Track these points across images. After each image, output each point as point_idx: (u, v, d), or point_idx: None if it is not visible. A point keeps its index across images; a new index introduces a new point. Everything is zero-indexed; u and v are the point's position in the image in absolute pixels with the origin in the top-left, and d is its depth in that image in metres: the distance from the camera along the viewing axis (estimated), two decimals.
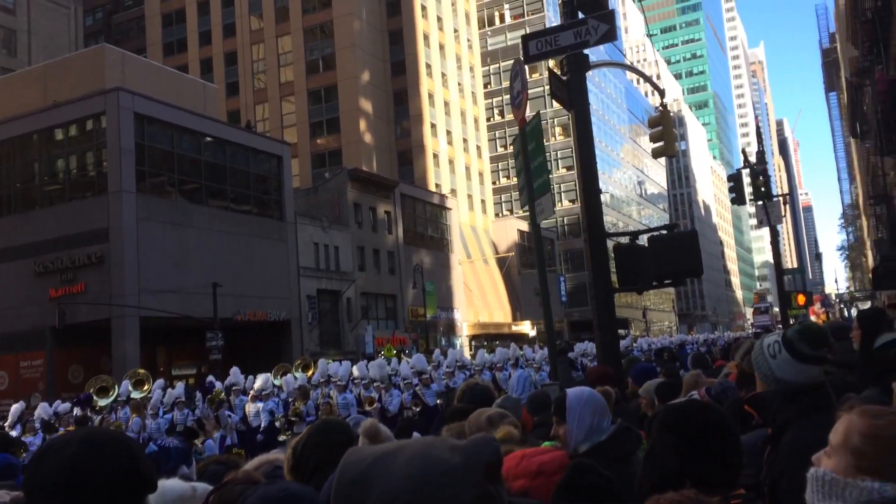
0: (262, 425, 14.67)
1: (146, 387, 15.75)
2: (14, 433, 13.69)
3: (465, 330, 53.85)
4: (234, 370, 17.31)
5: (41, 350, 30.99)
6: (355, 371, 17.28)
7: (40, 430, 13.90)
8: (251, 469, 2.96)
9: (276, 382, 16.34)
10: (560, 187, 72.41)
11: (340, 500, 1.09)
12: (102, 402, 15.75)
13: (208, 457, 6.05)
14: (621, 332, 54.34)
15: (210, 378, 17.39)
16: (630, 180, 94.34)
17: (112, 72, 35.15)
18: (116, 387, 16.46)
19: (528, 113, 9.07)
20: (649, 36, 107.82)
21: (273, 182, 39.51)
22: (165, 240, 31.71)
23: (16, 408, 15.03)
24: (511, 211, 71.63)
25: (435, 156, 58.71)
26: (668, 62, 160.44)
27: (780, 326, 28.33)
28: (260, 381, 15.34)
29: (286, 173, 40.18)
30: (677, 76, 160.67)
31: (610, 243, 9.18)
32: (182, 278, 31.43)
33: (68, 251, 30.73)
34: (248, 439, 14.35)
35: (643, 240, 9.09)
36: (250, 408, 15.07)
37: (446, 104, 61.59)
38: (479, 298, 57.69)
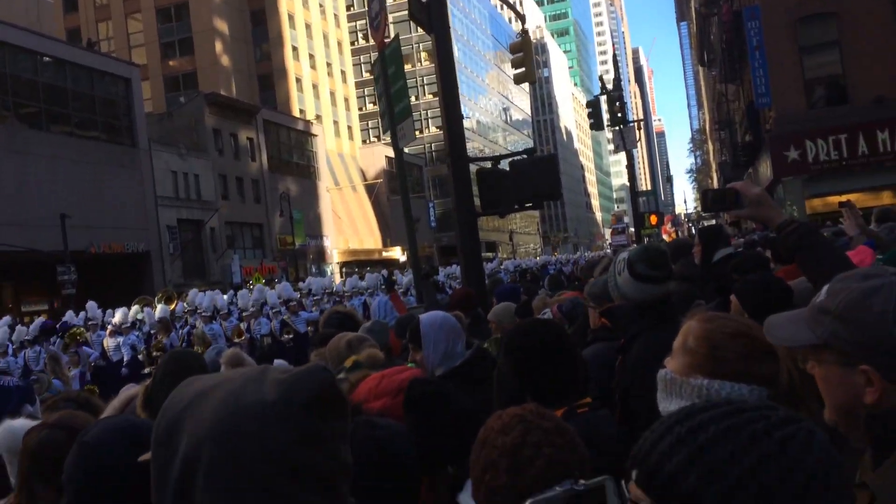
0: (125, 359, 14.14)
1: None
2: None
3: (335, 257, 53.58)
4: (91, 304, 16.44)
5: None
6: (218, 302, 16.86)
7: None
8: (118, 408, 2.88)
9: (139, 316, 15.70)
10: (427, 113, 72.22)
11: (156, 447, 0.97)
12: None
13: (59, 392, 5.79)
14: (489, 255, 55.92)
15: (68, 315, 16.46)
16: (495, 107, 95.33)
17: None
18: None
19: (392, 35, 8.91)
20: None
21: (122, 106, 36.99)
22: (3, 168, 29.20)
23: None
24: (378, 137, 70.80)
25: (298, 80, 56.79)
26: None
27: (635, 245, 30.02)
28: (119, 314, 14.69)
29: (136, 97, 37.68)
30: (539, 3, 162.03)
31: (474, 168, 9.32)
32: (24, 210, 29.18)
33: None
34: (108, 375, 13.80)
35: (505, 165, 9.28)
36: (109, 342, 14.45)
37: (308, 26, 59.31)
38: (348, 225, 57.35)
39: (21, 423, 2.38)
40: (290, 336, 14.65)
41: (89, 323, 15.40)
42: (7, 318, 16.81)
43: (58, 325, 15.68)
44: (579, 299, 5.83)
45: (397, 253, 58.07)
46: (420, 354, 3.11)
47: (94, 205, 32.48)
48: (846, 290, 1.26)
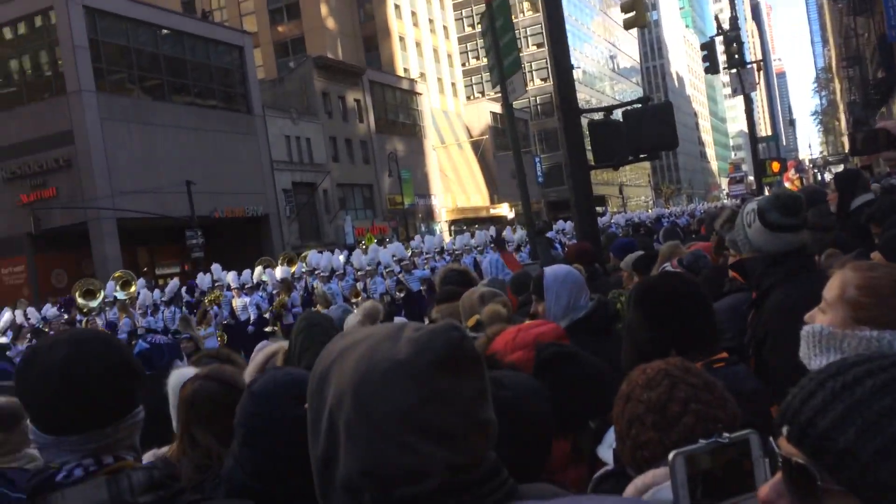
0: (252, 318, 14.92)
1: (132, 287, 15.82)
2: (4, 339, 13.81)
3: (443, 216, 54.04)
4: (216, 267, 17.38)
5: (21, 256, 30.81)
6: (334, 263, 17.39)
7: (30, 336, 14.03)
8: (261, 362, 3.07)
9: (264, 278, 16.47)
10: (531, 65, 70.87)
11: (310, 397, 1.06)
12: (92, 304, 15.84)
13: (204, 350, 6.18)
14: (599, 209, 54.78)
15: (199, 278, 17.52)
16: (602, 55, 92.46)
17: None
18: (103, 289, 16.51)
19: None
20: None
21: (237, 74, 38.31)
22: (132, 139, 30.99)
23: (6, 316, 15.08)
24: (483, 93, 70.35)
25: (401, 39, 56.94)
26: None
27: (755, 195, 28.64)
28: (232, 275, 15.49)
29: (249, 64, 38.91)
30: None
31: (584, 120, 9.12)
32: (154, 178, 30.94)
33: (34, 155, 29.99)
34: (237, 333, 14.61)
35: (617, 115, 9.03)
36: (237, 303, 15.27)
37: None
38: (455, 183, 57.58)
39: (189, 371, 2.57)
40: (403, 294, 14.99)
41: (216, 284, 16.31)
42: (142, 281, 18.00)
43: (188, 287, 16.71)
44: (701, 252, 5.66)
45: (505, 209, 57.91)
46: (542, 306, 3.13)
47: (215, 171, 34.03)
48: None
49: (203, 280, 16.89)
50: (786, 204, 2.81)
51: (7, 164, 30.49)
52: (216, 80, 37.01)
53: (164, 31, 34.53)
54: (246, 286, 15.21)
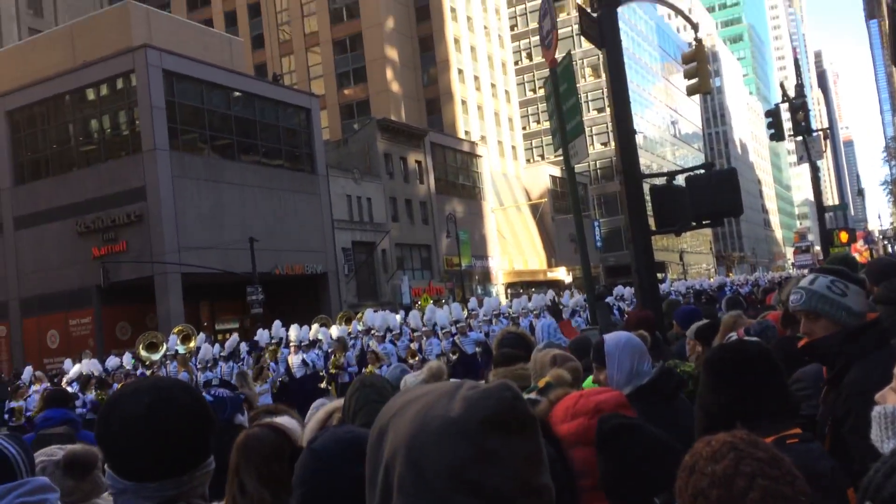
0: (307, 376, 14.99)
1: (192, 342, 16.14)
2: (71, 389, 14.17)
3: (500, 278, 53.92)
4: (277, 323, 17.61)
5: (89, 308, 31.82)
6: (391, 323, 17.47)
7: (95, 386, 14.36)
8: (321, 419, 3.07)
9: (320, 336, 16.62)
10: (591, 130, 71.26)
11: (369, 451, 1.06)
12: (154, 357, 16.20)
13: (261, 406, 6.19)
14: (658, 275, 53.95)
15: (259, 334, 17.80)
16: (663, 120, 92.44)
17: (138, 29, 35.08)
18: (165, 343, 16.90)
19: (558, 53, 8.88)
20: None
21: (303, 135, 39.49)
22: (201, 196, 32.05)
23: (76, 367, 15.54)
24: (542, 156, 70.88)
25: (463, 102, 58.07)
26: None
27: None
28: (293, 331, 15.63)
29: (316, 126, 40.10)
30: (710, 9, 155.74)
31: (645, 185, 9.04)
32: (219, 234, 31.82)
33: (108, 210, 31.25)
34: (292, 390, 14.68)
35: (680, 181, 8.94)
36: (293, 359, 15.39)
37: (473, 49, 60.59)
38: (513, 246, 57.60)
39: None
40: (456, 356, 14.90)
41: (272, 341, 16.50)
42: (203, 336, 18.35)
43: (249, 344, 16.94)
44: (770, 322, 5.48)
45: (562, 273, 57.52)
46: (604, 374, 3.09)
47: (278, 228, 34.85)
48: None
49: (262, 336, 17.13)
50: (854, 265, 2.74)
51: (82, 219, 31.82)
52: (283, 141, 38.20)
53: (237, 94, 35.98)
54: (303, 343, 15.35)
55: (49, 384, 15.94)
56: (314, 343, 15.76)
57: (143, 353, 16.22)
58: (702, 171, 8.68)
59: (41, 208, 32.78)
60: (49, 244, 32.55)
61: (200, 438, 1.65)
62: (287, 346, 15.81)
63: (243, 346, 17.40)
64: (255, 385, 13.50)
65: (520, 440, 0.98)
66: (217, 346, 16.95)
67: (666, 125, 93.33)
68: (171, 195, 30.82)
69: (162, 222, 30.36)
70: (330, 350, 15.31)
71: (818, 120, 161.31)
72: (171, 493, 1.59)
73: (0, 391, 22.27)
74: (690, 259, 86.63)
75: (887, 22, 48.79)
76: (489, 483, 0.95)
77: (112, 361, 16.58)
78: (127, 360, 16.84)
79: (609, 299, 20.72)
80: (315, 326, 16.81)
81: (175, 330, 16.04)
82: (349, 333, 16.64)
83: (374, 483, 1.03)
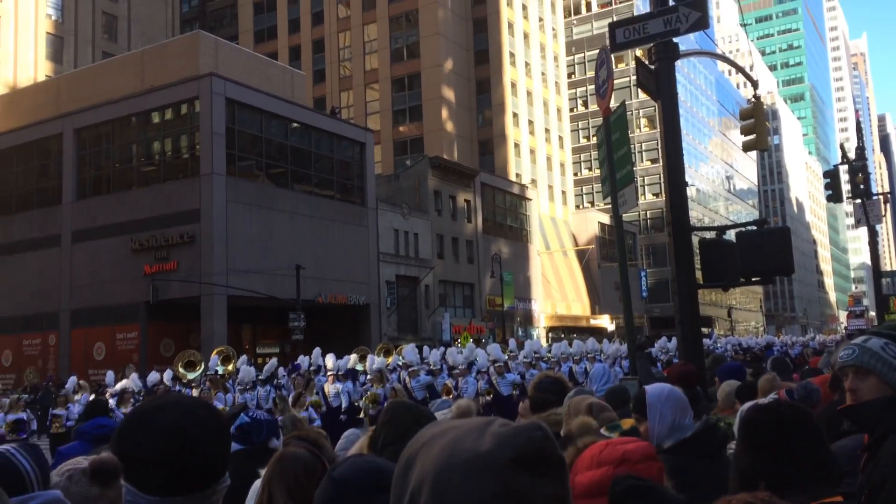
0: (344, 406, 14.99)
1: (231, 364, 16.32)
2: (112, 401, 14.42)
3: (542, 321, 53.51)
4: (317, 351, 17.71)
5: (136, 323, 32.48)
6: (430, 358, 17.46)
7: (133, 402, 14.60)
8: (358, 448, 3.10)
9: (359, 367, 16.66)
10: (644, 180, 70.90)
11: (395, 481, 1.05)
12: (191, 376, 16.42)
13: (294, 431, 6.22)
14: (705, 330, 52.92)
15: (301, 359, 17.93)
16: (718, 175, 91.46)
17: (206, 58, 36.27)
18: (203, 362, 17.12)
19: (613, 103, 8.90)
20: (743, 26, 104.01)
21: (356, 168, 40.09)
22: (252, 222, 32.66)
23: (123, 382, 15.85)
24: (592, 203, 70.62)
25: (516, 145, 58.38)
26: (763, 53, 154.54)
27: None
28: (330, 360, 15.68)
29: (369, 160, 40.70)
30: (772, 68, 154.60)
31: (695, 239, 8.94)
32: (267, 259, 32.32)
33: (162, 230, 32.03)
34: (327, 419, 14.68)
35: (730, 236, 8.81)
36: (329, 388, 15.42)
37: (529, 94, 61.08)
38: (556, 290, 57.19)
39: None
40: (490, 397, 14.76)
41: (311, 369, 16.58)
42: (244, 358, 18.55)
43: (288, 369, 17.05)
44: (814, 385, 5.32)
45: (605, 321, 56.80)
46: (644, 426, 3.03)
47: (324, 258, 35.26)
48: None
49: (304, 361, 17.23)
50: None
51: (137, 237, 32.68)
52: (336, 172, 38.83)
53: (294, 124, 36.81)
54: (340, 373, 15.40)
55: (92, 394, 16.27)
56: (353, 373, 15.80)
57: (180, 370, 16.45)
58: (754, 227, 8.55)
59: (98, 224, 33.78)
60: (103, 259, 33.46)
61: (223, 454, 1.69)
62: (325, 374, 15.87)
63: (281, 371, 17.52)
64: (296, 411, 13.57)
65: (547, 481, 0.97)
66: (253, 369, 17.10)
67: (720, 180, 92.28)
68: (223, 218, 31.48)
69: (213, 244, 30.98)
70: (368, 380, 15.32)
71: (879, 184, 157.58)
72: None
73: (45, 398, 22.80)
74: (739, 316, 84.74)
75: None
76: None
77: (153, 377, 16.85)
78: (167, 376, 17.11)
79: (653, 351, 20.37)
80: (353, 357, 16.86)
81: (216, 351, 16.24)
82: (388, 366, 16.64)
83: None
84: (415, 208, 43.51)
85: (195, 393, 15.17)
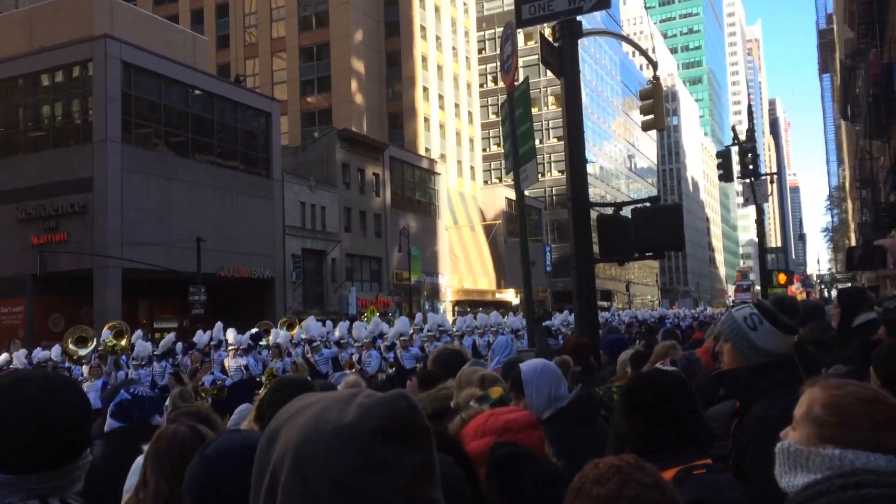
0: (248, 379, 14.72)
1: (124, 339, 15.72)
2: None
3: (448, 295, 54.03)
4: (218, 326, 17.29)
5: (21, 297, 30.85)
6: (337, 332, 17.37)
7: None
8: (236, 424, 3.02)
9: (262, 342, 16.36)
10: (550, 157, 72.23)
11: (258, 455, 1.02)
12: (82, 352, 15.73)
13: (182, 407, 6.06)
14: (604, 303, 54.77)
15: (197, 335, 17.43)
16: (620, 153, 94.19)
17: (100, 18, 34.48)
18: (95, 338, 16.42)
19: (523, 79, 8.99)
20: (647, 8, 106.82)
21: (261, 139, 39.15)
22: (150, 192, 31.45)
23: (3, 357, 14.98)
24: (500, 179, 71.45)
25: (426, 120, 58.30)
26: (665, 36, 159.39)
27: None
28: (231, 335, 15.34)
29: (275, 130, 39.80)
30: (673, 50, 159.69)
31: (595, 214, 9.17)
32: (166, 231, 31.24)
33: (51, 199, 30.42)
34: (227, 394, 14.38)
35: (627, 212, 9.09)
36: (230, 363, 15.09)
37: (439, 68, 60.98)
38: (464, 264, 57.81)
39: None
40: (393, 370, 14.83)
41: (211, 343, 16.18)
42: (139, 333, 17.92)
43: (186, 344, 16.57)
44: (696, 355, 5.59)
45: (510, 295, 57.88)
46: (523, 402, 3.10)
47: (227, 230, 34.36)
48: None
49: (202, 338, 16.77)
50: (790, 306, 2.81)
51: (24, 206, 30.91)
52: (240, 143, 37.80)
53: (196, 92, 35.52)
54: (241, 347, 15.09)
55: None
56: (253, 347, 15.51)
57: (71, 346, 15.74)
58: (647, 203, 8.85)
59: None
60: None
61: (86, 429, 1.64)
62: (226, 349, 15.52)
63: (179, 346, 17.03)
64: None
65: (411, 451, 0.95)
66: (150, 344, 16.55)
67: (623, 158, 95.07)
68: (118, 188, 30.18)
69: (107, 215, 29.68)
70: (268, 355, 15.08)
71: (767, 165, 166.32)
72: (53, 484, 1.54)
73: None
74: (636, 290, 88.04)
75: (839, 77, 50.69)
76: (375, 494, 0.91)
77: (40, 354, 16.05)
78: (56, 352, 16.32)
79: (552, 323, 20.90)
80: (254, 331, 16.56)
81: (108, 325, 15.62)
82: (292, 339, 16.42)
83: (259, 490, 0.98)
84: (322, 181, 42.91)
85: (85, 370, 14.57)
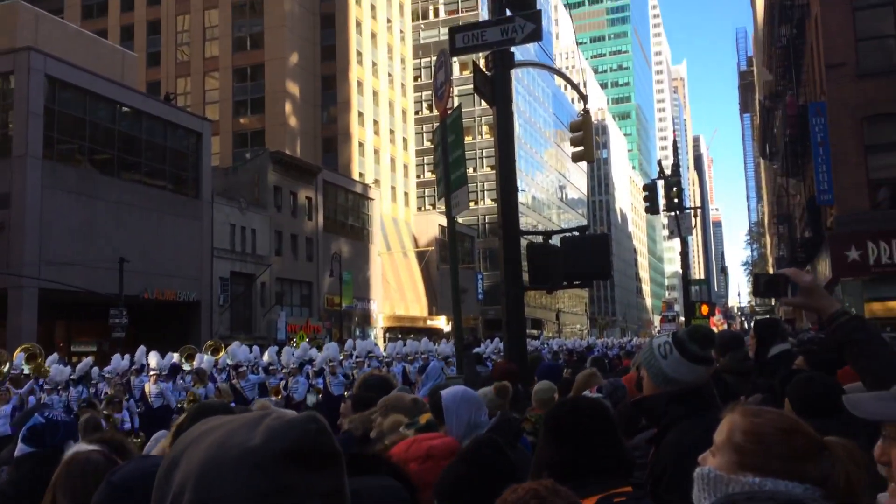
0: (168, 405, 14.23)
1: (37, 362, 15.03)
2: None
3: (380, 321, 53.69)
4: (141, 350, 16.73)
5: None
6: (265, 357, 17.03)
7: None
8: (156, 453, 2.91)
9: (185, 367, 15.89)
10: (484, 185, 73.06)
11: (157, 484, 0.96)
12: None
13: (98, 434, 5.82)
14: (535, 332, 55.36)
15: (113, 359, 16.78)
16: (552, 184, 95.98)
17: (24, 31, 33.40)
18: (10, 361, 15.64)
19: (452, 106, 9.08)
20: (578, 44, 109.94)
21: (191, 158, 38.36)
22: (72, 210, 30.37)
23: None
24: (434, 206, 71.77)
25: (360, 144, 58.25)
26: (596, 71, 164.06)
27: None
28: (153, 359, 14.86)
29: (205, 150, 39.08)
30: (603, 86, 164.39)
31: (525, 243, 9.27)
32: (87, 251, 30.17)
33: None
34: (148, 420, 13.88)
35: (557, 241, 9.23)
36: (151, 388, 14.59)
37: (375, 94, 61.16)
38: (396, 291, 57.61)
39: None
40: (320, 396, 14.59)
41: (132, 368, 15.63)
42: (55, 356, 17.17)
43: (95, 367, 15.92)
44: (621, 382, 5.69)
45: (442, 322, 57.92)
46: (444, 428, 3.10)
47: (153, 252, 33.40)
48: None
49: (119, 364, 16.14)
50: (702, 337, 2.85)
51: None
52: (169, 162, 36.95)
53: (125, 109, 34.64)
54: (163, 372, 14.61)
55: None
56: (176, 372, 15.04)
57: None
58: (576, 233, 9.00)
59: None
60: None
61: None
62: (147, 374, 15.00)
63: (96, 371, 16.37)
64: (112, 412, 12.70)
65: (321, 477, 0.91)
66: (68, 368, 15.86)
67: (554, 189, 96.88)
68: (37, 205, 29.06)
69: (25, 233, 28.50)
70: (191, 381, 14.63)
71: (692, 199, 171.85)
72: None
73: None
74: (566, 319, 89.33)
75: (759, 117, 53.04)
76: None
77: None
78: None
79: (482, 350, 20.97)
80: (176, 356, 16.07)
81: (21, 348, 14.89)
82: (216, 365, 16.00)
83: None
84: (253, 203, 42.26)
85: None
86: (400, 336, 45.46)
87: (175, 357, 15.87)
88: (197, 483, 0.88)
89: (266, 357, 17.10)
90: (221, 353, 17.18)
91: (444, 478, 2.14)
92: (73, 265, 29.07)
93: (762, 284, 2.37)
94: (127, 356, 16.45)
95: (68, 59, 31.94)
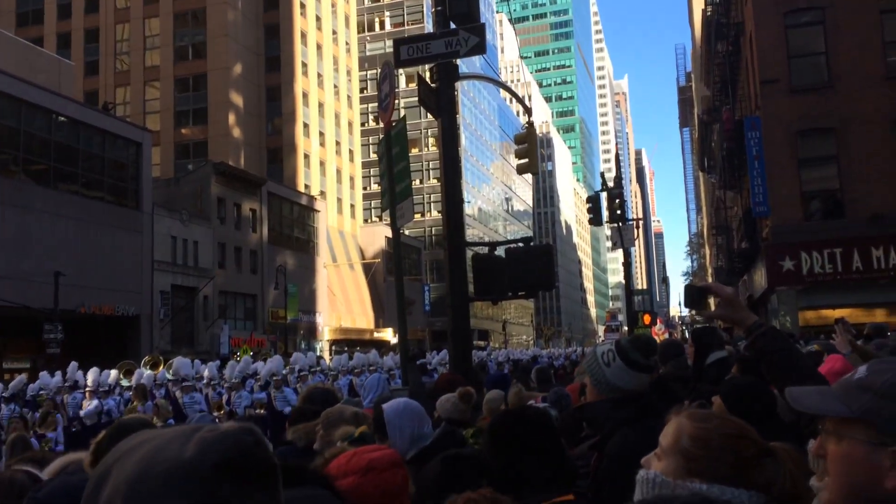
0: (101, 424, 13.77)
1: None
2: None
3: (326, 334, 53.16)
4: (73, 366, 16.19)
5: None
6: (206, 372, 16.66)
7: None
8: (55, 469, 2.79)
9: (123, 382, 15.45)
10: (430, 197, 73.18)
11: (84, 499, 0.92)
12: None
13: (27, 453, 5.62)
14: (481, 343, 55.49)
15: (42, 376, 16.18)
16: (498, 196, 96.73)
17: None
18: None
19: (408, 119, 9.09)
20: (522, 57, 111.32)
21: (131, 169, 37.47)
22: (4, 222, 29.34)
23: None
24: (380, 218, 71.53)
25: (306, 156, 57.78)
26: (540, 85, 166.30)
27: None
28: (92, 376, 14.40)
29: (145, 161, 38.22)
30: (548, 99, 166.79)
31: (471, 255, 9.31)
32: (21, 264, 29.14)
33: None
34: (84, 439, 13.42)
35: (502, 252, 9.29)
36: (87, 405, 14.12)
37: (321, 105, 60.80)
38: (342, 303, 57.16)
39: None
40: (262, 411, 14.35)
41: (65, 385, 15.12)
42: None
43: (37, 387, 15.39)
44: (565, 391, 5.75)
45: (389, 334, 57.64)
46: (387, 443, 3.06)
47: (90, 265, 32.44)
48: (893, 371, 1.27)
49: (49, 381, 15.56)
50: (644, 345, 2.92)
51: None
52: (107, 173, 36.02)
53: (61, 118, 33.66)
54: (100, 389, 14.16)
55: None
56: (113, 389, 14.59)
57: None
58: (520, 244, 9.08)
59: None
60: None
61: None
62: (81, 390, 14.51)
63: (30, 388, 15.78)
64: (44, 433, 12.24)
65: (256, 489, 0.88)
66: (1, 385, 15.26)
67: (500, 201, 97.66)
68: None
69: None
70: (129, 397, 14.21)
71: (634, 211, 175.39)
72: None
73: None
74: (513, 329, 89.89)
75: (697, 131, 54.47)
76: None
77: None
78: None
79: (427, 361, 20.94)
80: (114, 372, 15.61)
81: None
82: (155, 380, 15.58)
83: None
84: (195, 215, 41.46)
85: None
86: (346, 349, 45.07)
87: (112, 374, 15.41)
88: (127, 497, 0.85)
89: (206, 372, 16.71)
90: (160, 368, 16.76)
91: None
92: (5, 279, 28.05)
93: (692, 296, 2.50)
94: (58, 373, 15.89)
95: (1, 67, 30.93)
